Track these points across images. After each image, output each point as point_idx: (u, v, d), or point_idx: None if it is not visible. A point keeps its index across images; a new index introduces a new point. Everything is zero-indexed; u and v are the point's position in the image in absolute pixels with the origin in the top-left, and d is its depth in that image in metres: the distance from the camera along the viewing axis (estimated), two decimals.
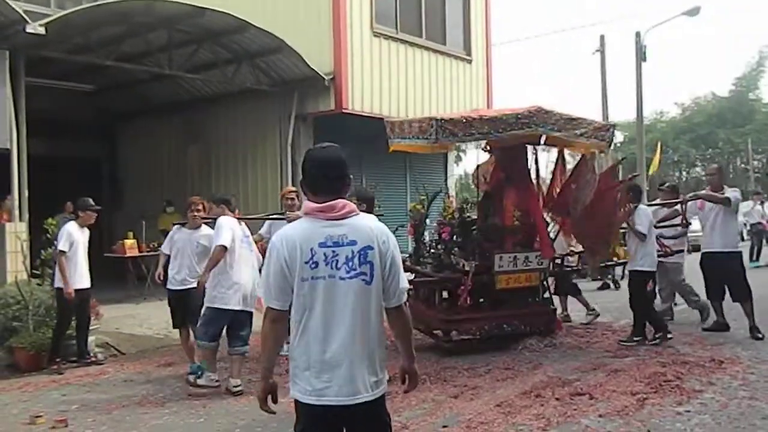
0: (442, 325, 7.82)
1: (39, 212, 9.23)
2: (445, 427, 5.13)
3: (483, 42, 17.03)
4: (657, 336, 7.81)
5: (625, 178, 8.25)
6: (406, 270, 6.57)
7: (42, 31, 9.08)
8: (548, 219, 8.55)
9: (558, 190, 8.48)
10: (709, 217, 8.29)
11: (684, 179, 49.49)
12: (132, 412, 5.82)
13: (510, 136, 7.43)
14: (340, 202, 2.87)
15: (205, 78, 13.71)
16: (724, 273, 8.22)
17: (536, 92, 79.66)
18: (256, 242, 7.03)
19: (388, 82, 14.28)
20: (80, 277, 7.64)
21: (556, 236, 8.56)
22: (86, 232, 7.86)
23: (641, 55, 24.01)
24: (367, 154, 13.35)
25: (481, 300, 7.89)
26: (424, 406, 5.58)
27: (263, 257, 6.16)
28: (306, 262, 2.80)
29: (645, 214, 8.03)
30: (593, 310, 9.52)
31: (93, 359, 7.89)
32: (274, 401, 2.96)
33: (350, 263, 2.81)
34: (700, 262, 8.60)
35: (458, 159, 31.25)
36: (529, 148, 8.34)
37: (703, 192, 8.68)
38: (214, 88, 14.45)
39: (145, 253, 12.60)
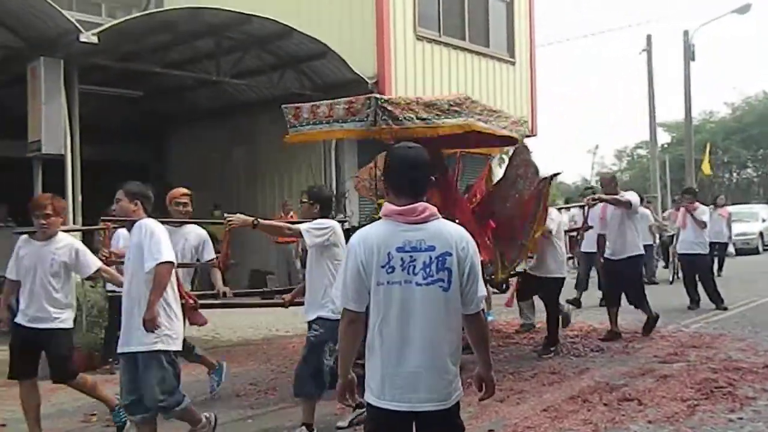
0: None
1: (90, 216, 9.48)
2: (491, 431, 5.12)
3: (527, 43, 16.91)
4: (551, 348, 7.56)
5: (546, 176, 7.39)
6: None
7: (95, 40, 9.34)
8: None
9: (480, 196, 7.90)
10: (611, 223, 8.34)
11: (735, 181, 48.31)
12: None
13: (445, 125, 6.56)
14: (421, 205, 2.85)
15: (251, 83, 13.91)
16: (625, 277, 8.45)
17: (581, 94, 78.69)
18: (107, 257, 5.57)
19: (431, 85, 14.28)
20: None
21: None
22: None
23: (690, 54, 23.59)
24: None
25: None
26: (469, 410, 5.54)
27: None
28: (382, 267, 2.80)
29: (552, 218, 7.59)
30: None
31: None
32: (352, 397, 3.00)
33: (428, 269, 2.79)
34: (604, 267, 8.80)
35: (501, 161, 31.00)
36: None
37: (607, 196, 8.29)
38: (260, 93, 14.65)
39: None
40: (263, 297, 7.44)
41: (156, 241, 4.47)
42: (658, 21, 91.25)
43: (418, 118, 6.38)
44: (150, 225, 4.56)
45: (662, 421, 5.15)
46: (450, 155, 8.04)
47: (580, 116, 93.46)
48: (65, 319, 5.20)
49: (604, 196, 8.29)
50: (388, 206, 2.90)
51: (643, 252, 8.73)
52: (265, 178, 15.06)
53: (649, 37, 24.12)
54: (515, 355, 7.75)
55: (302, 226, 5.19)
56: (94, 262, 5.27)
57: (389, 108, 6.25)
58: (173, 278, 4.64)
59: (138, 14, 10.52)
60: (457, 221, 6.59)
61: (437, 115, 6.52)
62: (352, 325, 2.90)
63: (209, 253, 6.27)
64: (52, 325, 5.11)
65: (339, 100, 6.63)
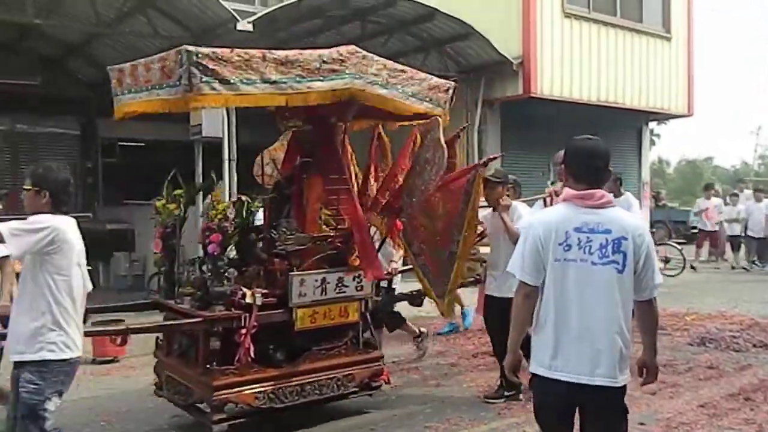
0: (209, 392, 4.71)
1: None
2: (641, 424, 4.94)
3: (684, 17, 15.92)
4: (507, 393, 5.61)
5: (478, 162, 5.66)
6: (153, 307, 5.36)
7: (250, 28, 9.81)
8: (372, 222, 5.77)
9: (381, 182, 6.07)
10: None
11: None
12: None
13: (312, 91, 4.78)
14: (599, 191, 3.05)
15: None
16: None
17: (743, 71, 73.00)
18: None
19: (579, 64, 13.80)
20: None
21: (380, 245, 5.84)
22: None
23: None
24: (555, 141, 13.02)
25: (272, 349, 4.96)
26: None
27: None
28: (560, 244, 3.00)
29: (526, 213, 5.65)
30: (420, 336, 7.30)
31: None
32: (517, 371, 3.26)
33: (603, 250, 2.97)
34: None
35: (653, 143, 29.60)
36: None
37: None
38: None
39: None
40: None
41: None
42: None
43: (263, 81, 4.59)
44: None
45: None
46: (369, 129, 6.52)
47: (742, 94, 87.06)
48: None
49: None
50: (568, 191, 3.11)
51: None
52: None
53: None
54: (668, 346, 7.38)
55: (3, 227, 3.41)
56: None
57: (211, 66, 4.46)
58: None
59: (289, 2, 10.93)
60: (342, 217, 5.38)
61: (299, 77, 4.72)
62: (527, 298, 3.09)
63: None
64: None
65: (154, 57, 4.85)
